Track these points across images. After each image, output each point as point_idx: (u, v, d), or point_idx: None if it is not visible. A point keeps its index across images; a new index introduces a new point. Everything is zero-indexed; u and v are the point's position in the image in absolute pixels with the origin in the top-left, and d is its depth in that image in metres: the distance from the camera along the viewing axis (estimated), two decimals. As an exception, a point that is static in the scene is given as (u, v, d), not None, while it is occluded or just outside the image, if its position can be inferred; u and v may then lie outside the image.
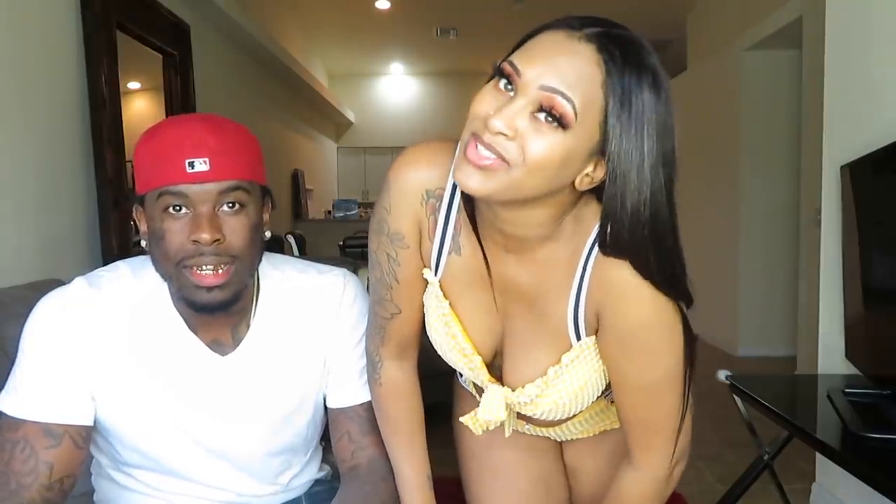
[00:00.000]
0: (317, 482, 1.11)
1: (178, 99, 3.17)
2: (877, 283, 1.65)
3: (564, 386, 0.84)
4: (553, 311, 0.82)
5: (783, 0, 4.08)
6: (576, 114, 0.64)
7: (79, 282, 0.91)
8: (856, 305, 1.79)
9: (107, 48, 2.39)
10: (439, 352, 0.91)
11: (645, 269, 0.73)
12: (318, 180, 7.65)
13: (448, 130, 0.95)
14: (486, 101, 0.68)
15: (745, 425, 1.89)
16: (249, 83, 4.80)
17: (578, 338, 0.82)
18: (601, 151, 0.67)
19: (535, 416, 0.89)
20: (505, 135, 0.65)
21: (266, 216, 0.92)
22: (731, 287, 4.92)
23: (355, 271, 2.13)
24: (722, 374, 1.85)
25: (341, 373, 1.01)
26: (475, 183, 0.67)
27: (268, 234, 0.93)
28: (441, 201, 0.82)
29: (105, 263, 0.99)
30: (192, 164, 0.80)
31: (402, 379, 0.95)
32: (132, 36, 2.72)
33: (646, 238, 0.70)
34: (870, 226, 1.68)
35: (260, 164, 0.90)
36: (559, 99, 0.64)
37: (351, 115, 8.76)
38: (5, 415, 0.85)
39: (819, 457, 2.22)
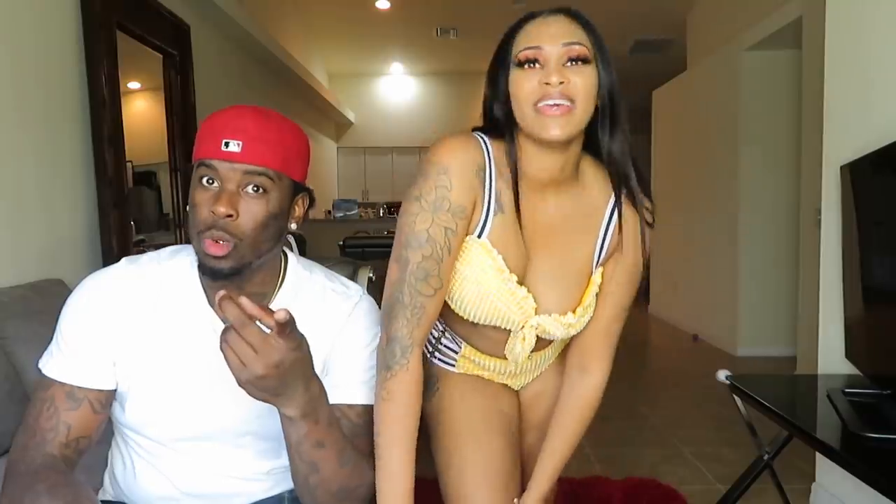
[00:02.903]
0: None
1: (178, 99, 3.17)
2: (877, 283, 1.65)
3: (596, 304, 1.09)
4: (580, 246, 1.05)
5: (783, 0, 4.09)
6: (589, 51, 0.92)
7: (122, 261, 1.02)
8: (856, 305, 1.79)
9: (107, 48, 2.40)
10: (477, 311, 1.02)
11: (627, 179, 1.01)
12: (318, 180, 7.65)
13: (448, 131, 1.01)
14: (526, 81, 0.92)
15: (745, 425, 1.89)
16: (249, 83, 4.80)
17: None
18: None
19: (569, 334, 1.09)
20: (562, 83, 0.90)
21: (298, 211, 1.00)
22: (731, 287, 4.92)
23: (355, 271, 2.14)
24: (722, 374, 1.85)
25: (339, 376, 1.02)
26: (557, 131, 0.91)
27: (293, 225, 1.00)
28: (485, 172, 0.99)
29: (105, 263, 1.03)
30: (226, 144, 0.89)
31: (421, 365, 1.00)
32: (132, 36, 2.72)
33: (626, 134, 0.98)
34: (870, 226, 1.68)
35: (298, 162, 0.97)
36: (577, 46, 0.91)
37: (351, 115, 8.76)
38: (42, 374, 0.96)
39: (819, 457, 2.22)
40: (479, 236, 1.00)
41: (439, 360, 1.20)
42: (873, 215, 1.67)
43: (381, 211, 7.48)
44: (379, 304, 1.06)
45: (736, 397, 1.82)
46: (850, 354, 1.85)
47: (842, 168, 1.89)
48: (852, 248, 1.79)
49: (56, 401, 0.94)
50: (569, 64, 0.91)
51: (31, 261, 2.05)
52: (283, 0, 5.93)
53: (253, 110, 0.94)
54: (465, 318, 1.05)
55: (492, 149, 1.00)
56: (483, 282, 1.00)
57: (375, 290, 1.67)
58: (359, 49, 7.77)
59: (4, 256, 1.94)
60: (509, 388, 1.24)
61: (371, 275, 2.08)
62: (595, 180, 1.06)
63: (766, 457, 1.90)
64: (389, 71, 8.87)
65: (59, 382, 0.94)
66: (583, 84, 0.90)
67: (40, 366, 0.97)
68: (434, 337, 1.18)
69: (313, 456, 0.89)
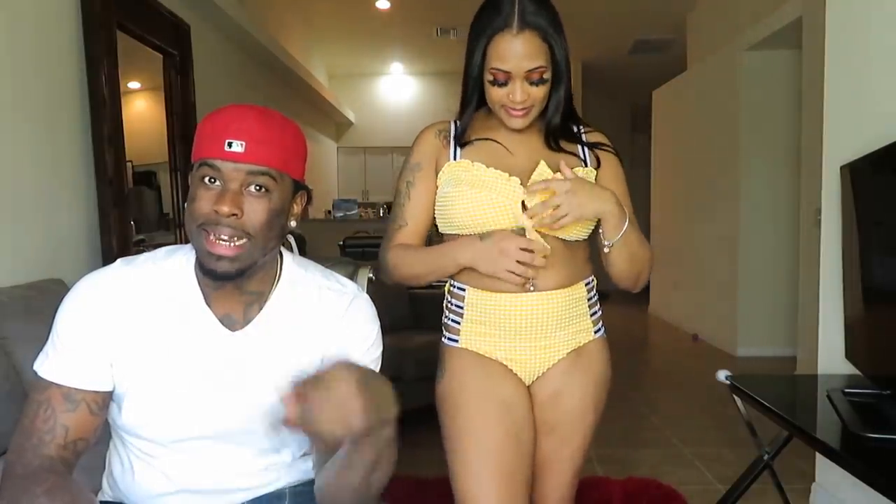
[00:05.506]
0: (306, 483, 1.11)
1: (178, 99, 3.17)
2: (877, 283, 1.65)
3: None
4: (562, 156, 1.25)
5: (783, 0, 4.09)
6: (548, 69, 1.16)
7: (118, 262, 1.02)
8: (856, 305, 1.79)
9: (107, 48, 2.39)
10: (476, 215, 1.19)
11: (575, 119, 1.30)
12: (318, 180, 7.65)
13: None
14: (495, 92, 1.19)
15: (745, 425, 1.89)
16: (249, 83, 4.80)
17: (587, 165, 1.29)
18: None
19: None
20: (524, 99, 1.17)
21: (297, 209, 1.01)
22: (731, 287, 4.92)
23: (356, 271, 2.13)
24: (722, 375, 1.85)
25: None
26: (517, 124, 1.21)
27: (293, 223, 1.01)
28: (447, 131, 1.30)
29: (105, 263, 1.03)
30: (230, 144, 0.90)
31: (397, 255, 1.27)
32: (132, 36, 2.72)
33: (566, 100, 1.25)
34: (870, 226, 1.68)
35: (298, 161, 0.99)
36: (538, 70, 1.15)
37: (351, 115, 8.75)
38: (38, 376, 0.95)
39: (819, 457, 2.22)
40: (454, 159, 1.28)
41: (448, 338, 1.29)
42: (873, 215, 1.67)
43: (381, 211, 7.47)
44: (377, 302, 1.09)
45: (736, 397, 1.82)
46: (851, 354, 1.85)
47: (842, 168, 1.89)
48: (852, 248, 1.79)
49: (53, 402, 0.93)
50: (530, 81, 1.16)
51: (31, 261, 2.05)
52: (283, 0, 5.93)
53: (254, 110, 0.94)
54: (471, 229, 1.21)
55: (474, 117, 1.29)
56: (463, 182, 1.21)
57: (375, 289, 1.66)
58: (359, 49, 7.76)
59: (4, 256, 1.94)
60: (516, 376, 1.26)
61: (371, 275, 2.08)
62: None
63: (766, 457, 1.90)
64: (389, 71, 8.86)
65: (56, 384, 0.94)
66: (540, 95, 1.19)
67: (36, 367, 0.96)
68: (447, 299, 1.32)
69: (335, 477, 0.91)
